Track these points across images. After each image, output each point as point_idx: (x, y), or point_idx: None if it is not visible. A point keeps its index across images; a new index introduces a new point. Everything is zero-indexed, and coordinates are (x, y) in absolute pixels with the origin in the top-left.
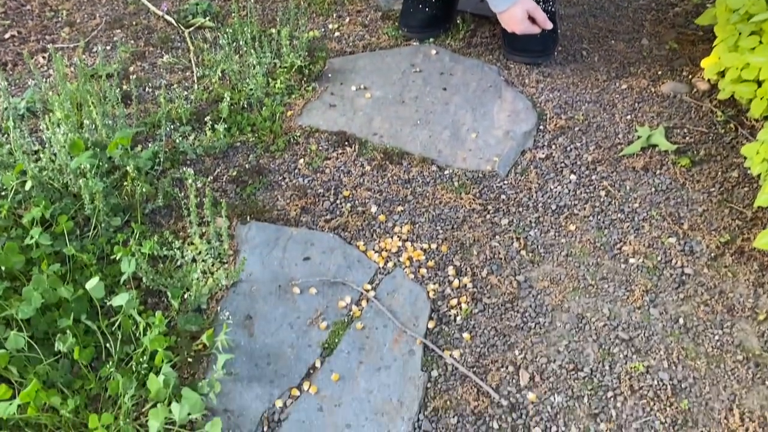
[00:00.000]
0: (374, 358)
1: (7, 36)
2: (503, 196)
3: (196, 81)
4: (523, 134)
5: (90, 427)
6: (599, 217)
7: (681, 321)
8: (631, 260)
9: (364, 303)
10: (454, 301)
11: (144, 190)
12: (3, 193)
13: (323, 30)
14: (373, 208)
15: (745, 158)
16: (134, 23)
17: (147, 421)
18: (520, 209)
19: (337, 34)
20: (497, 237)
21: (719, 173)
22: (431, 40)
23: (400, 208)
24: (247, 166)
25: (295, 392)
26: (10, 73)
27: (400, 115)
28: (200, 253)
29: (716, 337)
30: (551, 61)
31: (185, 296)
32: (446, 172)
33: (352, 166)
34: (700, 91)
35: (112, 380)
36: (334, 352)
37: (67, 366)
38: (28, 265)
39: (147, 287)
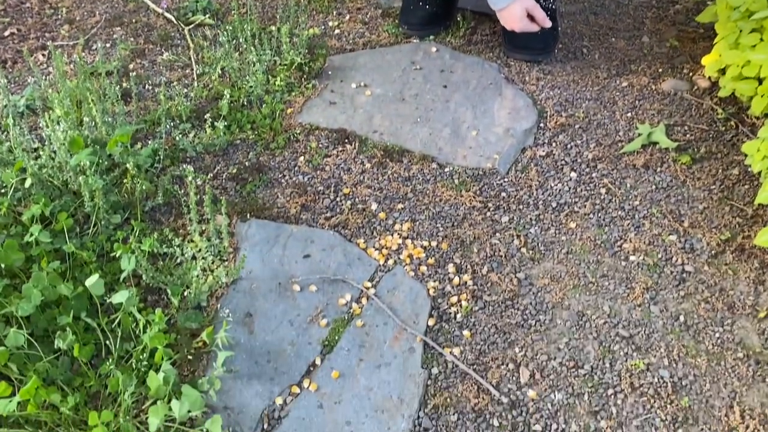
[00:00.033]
0: (374, 356)
1: (6, 33)
2: (504, 194)
3: (195, 78)
4: (524, 132)
5: (90, 425)
6: (600, 215)
7: (681, 318)
8: (632, 258)
9: (364, 300)
10: (454, 299)
11: (144, 187)
12: (3, 191)
13: (323, 27)
14: (374, 206)
15: (746, 156)
16: (134, 20)
17: (147, 418)
18: (521, 207)
19: (337, 31)
20: (497, 234)
21: (720, 171)
22: (431, 37)
23: (400, 206)
24: (247, 163)
25: (295, 389)
26: (10, 70)
27: (400, 113)
28: (200, 250)
29: (717, 335)
30: (552, 59)
31: (185, 294)
32: (446, 170)
33: (353, 163)
34: (700, 89)
35: (112, 377)
36: (334, 350)
37: (67, 363)
38: (27, 262)
39: (147, 285)
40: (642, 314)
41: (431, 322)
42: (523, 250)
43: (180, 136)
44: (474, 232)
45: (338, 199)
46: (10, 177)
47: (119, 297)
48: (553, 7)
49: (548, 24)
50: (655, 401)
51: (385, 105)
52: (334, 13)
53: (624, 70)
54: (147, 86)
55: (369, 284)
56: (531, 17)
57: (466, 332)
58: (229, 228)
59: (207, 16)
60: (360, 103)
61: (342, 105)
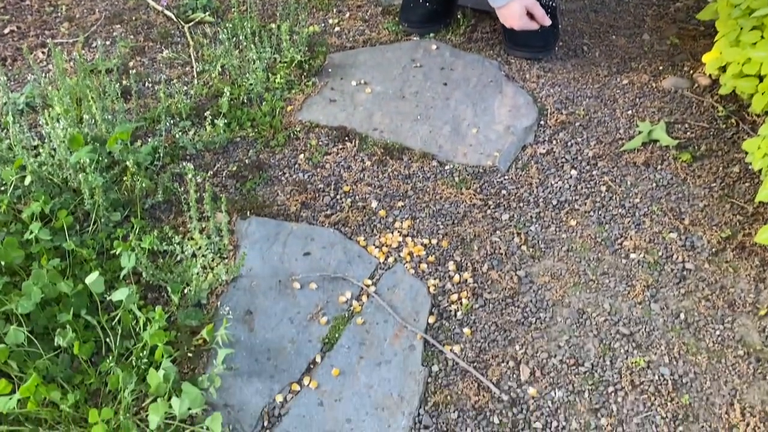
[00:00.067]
0: (375, 353)
1: (6, 31)
2: (504, 192)
3: (195, 76)
4: (524, 129)
5: (90, 422)
6: (600, 213)
7: (682, 316)
8: (632, 255)
9: (364, 298)
10: (454, 297)
11: (144, 185)
12: (2, 188)
13: (323, 25)
14: (374, 204)
15: (747, 153)
16: (134, 18)
17: (147, 415)
18: (521, 204)
19: (337, 29)
20: (498, 232)
21: (720, 168)
22: (432, 35)
23: (400, 204)
24: (247, 161)
25: (296, 387)
26: (10, 68)
27: (400, 111)
28: (200, 248)
29: (717, 333)
30: (552, 57)
31: (185, 291)
32: (447, 168)
33: (353, 161)
34: (701, 87)
35: (112, 375)
36: (334, 347)
37: (67, 361)
38: (27, 260)
39: (147, 282)
40: (642, 312)
41: (431, 320)
42: (524, 247)
43: (180, 133)
44: (474, 230)
45: (338, 196)
46: (9, 174)
47: (119, 294)
48: (554, 4)
49: (547, 22)
50: (655, 399)
51: (385, 102)
52: (334, 10)
53: (624, 68)
54: (147, 84)
55: (369, 282)
56: (530, 15)
57: (466, 330)
58: (229, 225)
59: (207, 13)
60: (360, 101)
61: (342, 102)
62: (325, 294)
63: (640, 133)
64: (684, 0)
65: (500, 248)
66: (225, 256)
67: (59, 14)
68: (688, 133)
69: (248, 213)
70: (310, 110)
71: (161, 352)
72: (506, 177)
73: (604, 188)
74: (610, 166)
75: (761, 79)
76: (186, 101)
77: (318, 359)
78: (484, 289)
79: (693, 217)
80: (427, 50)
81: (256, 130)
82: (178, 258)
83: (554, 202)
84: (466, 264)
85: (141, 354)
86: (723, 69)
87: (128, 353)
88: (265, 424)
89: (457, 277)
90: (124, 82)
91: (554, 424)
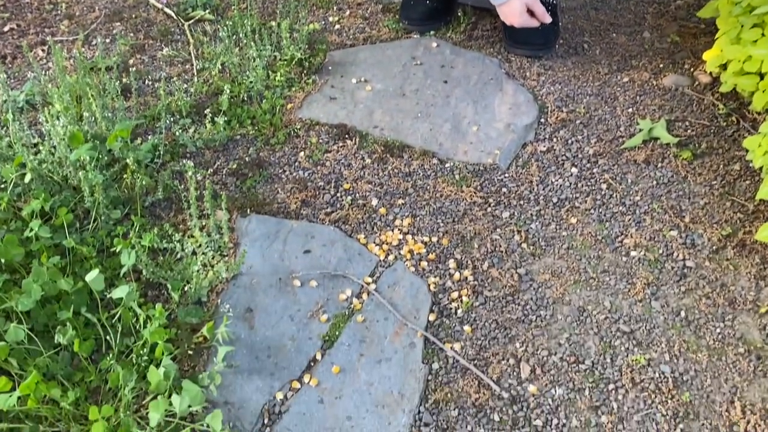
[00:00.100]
0: (375, 351)
1: (6, 29)
2: (504, 189)
3: (195, 74)
4: (524, 127)
5: (90, 419)
6: (600, 210)
7: (682, 314)
8: (633, 253)
9: (364, 296)
10: (455, 294)
11: (144, 182)
12: (2, 186)
13: (323, 22)
14: (374, 201)
15: (747, 151)
16: (134, 16)
17: (147, 413)
18: (521, 202)
19: (337, 26)
20: (498, 230)
21: (721, 166)
22: (432, 32)
23: (400, 201)
24: (247, 158)
25: (296, 384)
26: (10, 66)
27: (400, 108)
28: (200, 245)
29: (718, 330)
30: (552, 54)
31: (185, 289)
32: (447, 165)
33: (353, 159)
34: (701, 84)
35: (112, 372)
36: (334, 345)
37: (67, 358)
38: (27, 257)
39: (147, 280)
40: (643, 309)
41: (432, 318)
42: (524, 245)
43: (180, 131)
44: (474, 228)
45: (339, 194)
46: (9, 172)
47: (119, 292)
48: (554, 2)
49: (548, 19)
50: (656, 396)
51: (385, 100)
52: (335, 8)
53: (625, 66)
54: (147, 81)
55: (369, 279)
56: (531, 12)
57: (466, 327)
58: (229, 223)
59: (207, 11)
60: (360, 99)
61: (342, 100)
62: (326, 291)
63: (640, 130)
64: None
65: (500, 246)
66: (225, 254)
67: (59, 12)
68: (689, 131)
69: (248, 211)
70: (311, 108)
71: (161, 350)
72: (506, 175)
73: (604, 186)
74: (611, 163)
75: (762, 76)
76: (186, 99)
77: (318, 357)
78: (484, 287)
79: (693, 214)
80: (427, 48)
81: (257, 127)
82: (179, 256)
83: (555, 199)
84: (467, 262)
85: (141, 351)
86: (723, 67)
87: (128, 351)
88: (266, 421)
89: (457, 275)
90: (124, 80)
91: (554, 421)
